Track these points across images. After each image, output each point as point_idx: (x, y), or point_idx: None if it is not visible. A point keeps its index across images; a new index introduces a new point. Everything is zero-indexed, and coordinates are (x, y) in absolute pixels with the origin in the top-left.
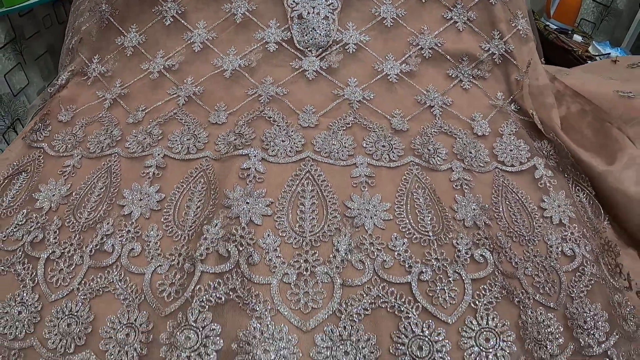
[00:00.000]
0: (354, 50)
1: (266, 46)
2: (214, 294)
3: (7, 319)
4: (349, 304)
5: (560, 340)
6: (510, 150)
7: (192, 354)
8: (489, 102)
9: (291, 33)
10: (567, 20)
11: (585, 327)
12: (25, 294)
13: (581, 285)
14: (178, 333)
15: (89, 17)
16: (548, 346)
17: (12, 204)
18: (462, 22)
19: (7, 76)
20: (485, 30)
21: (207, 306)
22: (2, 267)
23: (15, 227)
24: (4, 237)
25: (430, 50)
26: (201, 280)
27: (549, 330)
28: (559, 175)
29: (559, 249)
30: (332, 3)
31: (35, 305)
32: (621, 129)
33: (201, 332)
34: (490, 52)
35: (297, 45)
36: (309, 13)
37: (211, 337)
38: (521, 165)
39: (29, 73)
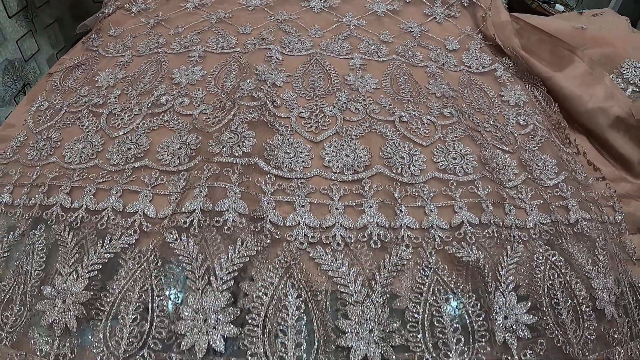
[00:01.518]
0: None
1: None
2: (249, 115)
3: (72, 153)
4: (348, 129)
5: (516, 170)
6: (476, 59)
7: (234, 145)
8: (459, 31)
9: None
10: None
11: (537, 167)
12: (89, 136)
13: (533, 143)
14: (221, 136)
15: None
16: (505, 172)
17: (74, 85)
18: None
19: (19, 42)
20: None
21: (244, 121)
22: (68, 122)
23: (79, 98)
24: (68, 104)
25: None
26: (239, 109)
27: (506, 163)
28: (517, 78)
29: (515, 120)
30: None
31: (99, 141)
32: (573, 51)
33: (240, 134)
34: None
35: None
36: None
37: (248, 138)
38: (484, 68)
39: (39, 40)
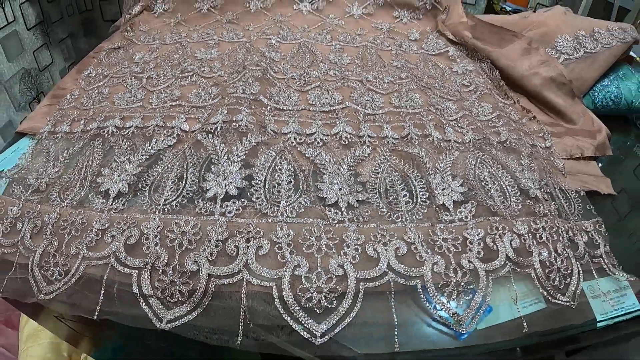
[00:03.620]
0: None
1: None
2: (255, 74)
3: (120, 100)
4: (327, 84)
5: (457, 110)
6: (433, 45)
7: (245, 88)
8: (421, 29)
9: None
10: (520, 2)
11: (475, 109)
12: (133, 90)
13: (474, 97)
14: (236, 83)
15: None
16: (446, 112)
17: (115, 61)
18: None
19: (35, 53)
20: None
21: (252, 77)
22: (115, 83)
23: (122, 69)
24: (113, 72)
25: (382, 0)
26: (248, 70)
27: (448, 107)
28: (466, 56)
29: (461, 83)
30: None
31: (141, 93)
32: (514, 34)
33: (249, 83)
34: (424, 2)
35: None
36: None
37: (254, 85)
38: (439, 50)
39: (53, 53)
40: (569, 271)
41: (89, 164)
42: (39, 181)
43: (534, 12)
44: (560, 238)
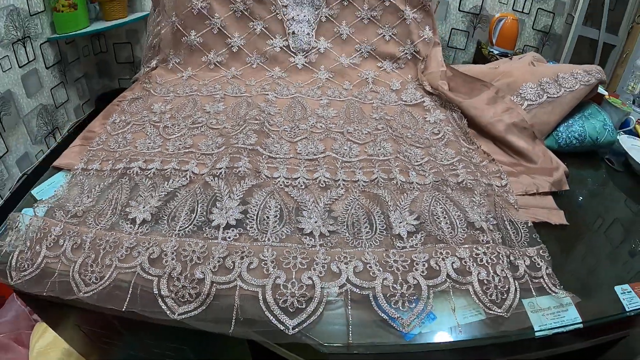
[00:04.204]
0: (323, 51)
1: (274, 49)
2: (254, 127)
3: (141, 146)
4: (313, 135)
5: (423, 156)
6: (411, 95)
7: (245, 139)
8: (402, 78)
9: (288, 42)
10: (507, 46)
11: (440, 154)
12: (152, 138)
13: (441, 144)
14: (237, 135)
15: (164, 25)
16: (413, 157)
17: (136, 110)
18: (388, 35)
19: (52, 90)
20: (403, 39)
21: (251, 130)
22: (137, 130)
23: (142, 117)
24: (135, 120)
25: (367, 52)
26: (248, 124)
27: (416, 153)
28: (440, 106)
29: (431, 131)
30: (311, 25)
31: (159, 140)
32: (485, 84)
33: (248, 135)
34: (405, 52)
35: (292, 49)
36: (298, 31)
37: (252, 137)
38: (416, 100)
39: (69, 91)
40: (506, 288)
41: (118, 197)
42: (76, 208)
43: (510, 58)
44: (500, 261)
